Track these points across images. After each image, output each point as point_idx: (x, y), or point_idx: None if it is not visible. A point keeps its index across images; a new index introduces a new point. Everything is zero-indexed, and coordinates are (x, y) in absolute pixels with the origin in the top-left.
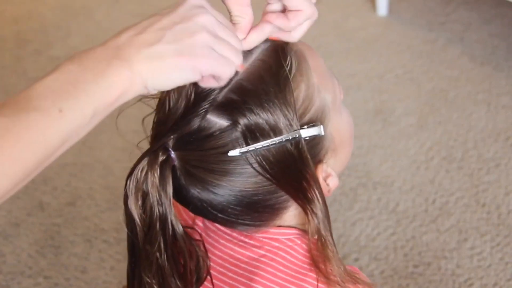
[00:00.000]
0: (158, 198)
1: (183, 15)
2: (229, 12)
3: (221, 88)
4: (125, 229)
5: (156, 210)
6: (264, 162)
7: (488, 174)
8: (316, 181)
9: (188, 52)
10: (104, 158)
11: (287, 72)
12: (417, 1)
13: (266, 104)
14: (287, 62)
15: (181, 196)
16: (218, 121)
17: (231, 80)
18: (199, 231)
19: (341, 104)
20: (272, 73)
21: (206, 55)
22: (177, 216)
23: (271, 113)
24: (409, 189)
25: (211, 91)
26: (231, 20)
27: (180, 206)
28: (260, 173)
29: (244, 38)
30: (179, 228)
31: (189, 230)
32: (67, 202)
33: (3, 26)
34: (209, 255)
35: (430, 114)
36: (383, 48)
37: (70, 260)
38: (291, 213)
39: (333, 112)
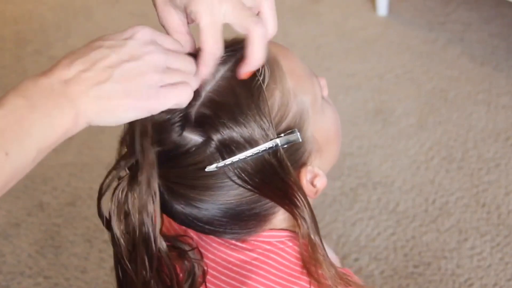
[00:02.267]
0: (139, 217)
1: (132, 53)
2: None
3: (194, 103)
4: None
5: (138, 229)
6: (243, 174)
7: (488, 174)
8: (300, 187)
9: (135, 93)
10: (104, 158)
11: (260, 81)
12: (417, 1)
13: (239, 117)
14: (260, 71)
15: (166, 210)
16: (192, 138)
17: (200, 94)
18: (193, 235)
19: (323, 102)
20: (244, 84)
21: (154, 96)
22: (168, 226)
23: (245, 126)
24: (409, 189)
25: (184, 108)
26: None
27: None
28: (240, 185)
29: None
30: (163, 246)
31: (182, 238)
32: (67, 202)
33: (3, 26)
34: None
35: (430, 114)
36: (383, 48)
37: (70, 260)
38: (280, 217)
39: (313, 113)
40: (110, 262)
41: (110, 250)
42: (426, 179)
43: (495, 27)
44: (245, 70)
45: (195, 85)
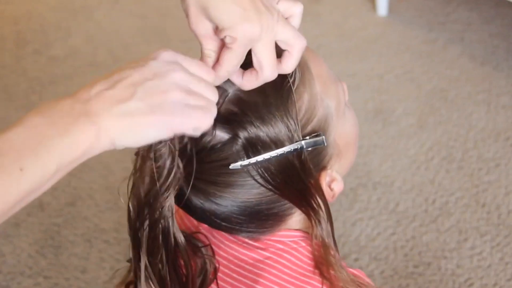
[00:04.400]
0: (160, 211)
1: (155, 71)
2: (201, 46)
3: (223, 100)
4: (125, 230)
5: (159, 223)
6: (266, 174)
7: (488, 174)
8: (319, 189)
9: (159, 110)
10: (104, 158)
11: (291, 84)
12: (417, 1)
13: (267, 117)
14: (291, 74)
15: (184, 205)
16: (219, 134)
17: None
18: (205, 233)
19: (345, 106)
20: (274, 85)
21: (178, 113)
22: (180, 222)
23: (272, 126)
24: (409, 189)
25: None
26: (201, 56)
27: (182, 212)
28: (262, 185)
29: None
30: (182, 240)
31: (195, 235)
32: (67, 202)
33: (3, 26)
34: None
35: (430, 114)
36: (383, 48)
37: (70, 260)
38: (296, 219)
39: (336, 118)
40: (110, 262)
41: (110, 250)
42: (426, 179)
43: (495, 27)
44: (274, 76)
45: (215, 113)
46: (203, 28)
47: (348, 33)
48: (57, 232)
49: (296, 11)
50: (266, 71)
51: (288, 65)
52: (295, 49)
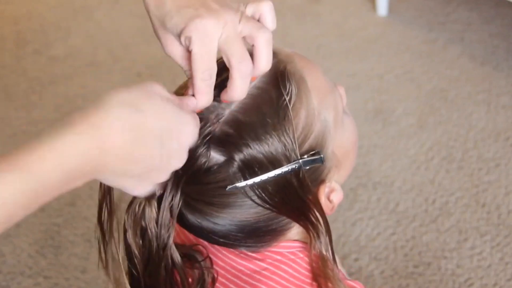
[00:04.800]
0: (156, 232)
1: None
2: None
3: (218, 121)
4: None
5: (155, 244)
6: (263, 194)
7: (488, 174)
8: (318, 204)
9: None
10: None
11: (287, 101)
12: (417, 1)
13: (263, 137)
14: (287, 90)
15: (182, 222)
16: (215, 156)
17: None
18: (203, 243)
19: (343, 114)
20: (271, 103)
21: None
22: (179, 231)
23: (268, 146)
24: (409, 189)
25: (207, 125)
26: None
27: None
28: (259, 205)
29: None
30: (178, 259)
31: (193, 247)
32: (67, 202)
33: (3, 26)
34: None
35: (430, 114)
36: (383, 48)
37: (70, 260)
38: (295, 231)
39: (334, 129)
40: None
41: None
42: (426, 179)
43: (495, 27)
44: (248, 69)
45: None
46: (173, 49)
47: (348, 33)
48: (57, 232)
49: (263, 9)
50: (236, 65)
51: (260, 62)
52: (259, 41)
